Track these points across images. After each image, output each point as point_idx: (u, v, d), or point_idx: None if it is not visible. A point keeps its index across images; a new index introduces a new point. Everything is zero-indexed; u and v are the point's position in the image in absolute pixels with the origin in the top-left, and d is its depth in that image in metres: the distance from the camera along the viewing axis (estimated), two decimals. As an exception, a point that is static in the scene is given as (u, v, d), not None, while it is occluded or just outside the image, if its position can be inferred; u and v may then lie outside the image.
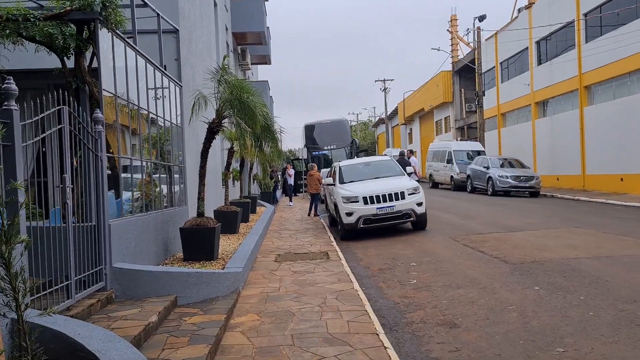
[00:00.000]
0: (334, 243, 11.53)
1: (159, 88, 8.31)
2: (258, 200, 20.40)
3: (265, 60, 25.59)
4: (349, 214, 12.14)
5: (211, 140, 8.17)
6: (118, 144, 6.67)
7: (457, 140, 35.40)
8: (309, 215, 18.04)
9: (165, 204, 8.86)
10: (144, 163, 8.19)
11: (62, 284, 4.90)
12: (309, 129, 30.53)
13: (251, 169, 17.43)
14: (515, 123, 31.16)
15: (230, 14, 19.22)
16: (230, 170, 15.34)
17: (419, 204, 12.27)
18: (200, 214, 8.23)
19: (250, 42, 21.52)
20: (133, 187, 7.35)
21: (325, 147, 29.27)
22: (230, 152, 11.74)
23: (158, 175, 8.67)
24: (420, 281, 7.75)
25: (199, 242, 8.03)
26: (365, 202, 12.06)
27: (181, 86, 10.07)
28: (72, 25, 6.08)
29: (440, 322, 5.78)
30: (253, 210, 16.75)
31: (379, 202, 12.02)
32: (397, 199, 12.07)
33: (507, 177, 21.94)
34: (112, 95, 6.60)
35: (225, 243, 10.55)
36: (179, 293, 6.27)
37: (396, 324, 5.86)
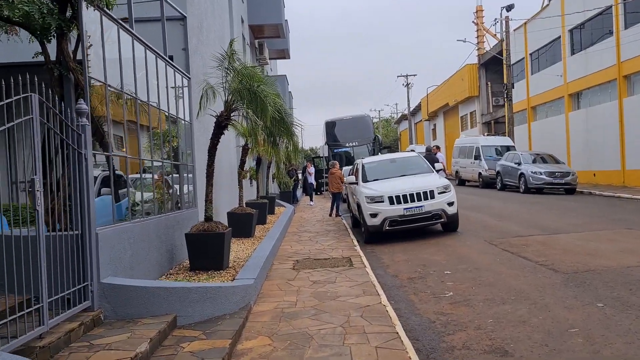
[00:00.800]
0: (357, 247, 10.58)
1: (159, 80, 7.47)
2: (277, 200, 19.55)
3: (284, 54, 24.70)
4: (374, 215, 11.17)
5: (219, 135, 7.31)
6: (111, 140, 5.83)
7: (484, 135, 33.97)
8: (330, 215, 17.11)
9: (171, 207, 8.03)
10: (155, 163, 7.38)
11: (32, 308, 4.07)
12: (330, 126, 29.56)
13: (269, 167, 16.58)
14: (546, 116, 29.68)
15: (247, 6, 18.39)
16: (247, 169, 14.52)
17: (450, 204, 11.23)
18: (208, 217, 7.38)
19: (267, 36, 20.67)
20: (129, 189, 6.51)
21: (347, 144, 28.25)
22: (245, 149, 10.88)
23: (163, 175, 7.84)
24: (457, 293, 6.75)
25: (206, 250, 7.17)
26: (391, 202, 11.06)
27: (189, 78, 9.24)
28: (52, 3, 5.26)
29: (488, 349, 4.79)
30: (271, 211, 15.89)
31: (406, 202, 11.02)
32: (426, 199, 11.04)
33: (540, 174, 20.64)
34: (102, 84, 5.77)
35: (239, 248, 9.69)
36: (179, 311, 5.41)
37: (434, 350, 4.90)
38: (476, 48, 39.66)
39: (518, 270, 7.66)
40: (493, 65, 39.28)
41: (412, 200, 11.02)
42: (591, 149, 24.22)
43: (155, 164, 7.43)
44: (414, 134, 62.30)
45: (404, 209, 10.98)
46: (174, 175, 8.33)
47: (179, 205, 8.51)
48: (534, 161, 22.12)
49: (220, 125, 7.19)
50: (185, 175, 9.14)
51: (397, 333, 5.23)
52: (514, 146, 27.01)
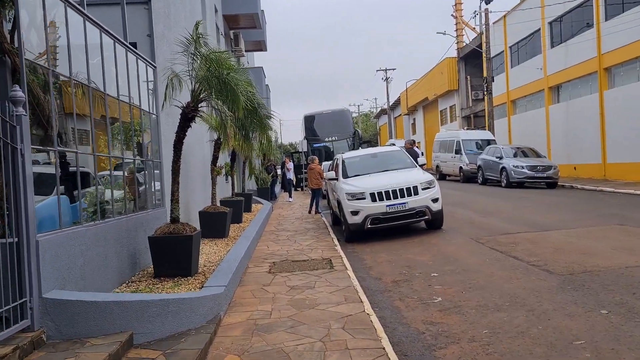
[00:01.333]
0: (338, 247, 10.00)
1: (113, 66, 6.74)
2: (254, 197, 18.87)
3: (260, 46, 23.89)
4: (355, 213, 10.60)
5: (186, 129, 6.62)
6: (54, 132, 5.10)
7: (464, 129, 33.72)
8: (309, 212, 16.51)
9: (134, 207, 7.32)
10: (114, 159, 6.66)
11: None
12: (309, 120, 28.92)
13: (245, 162, 15.88)
14: (526, 110, 29.52)
15: (220, -5, 17.62)
16: (221, 164, 13.80)
17: (435, 200, 10.72)
18: (175, 219, 6.70)
19: (243, 26, 19.90)
20: (80, 189, 5.80)
21: (326, 139, 27.66)
22: (217, 144, 10.17)
23: (125, 173, 7.12)
24: (446, 299, 6.21)
25: (172, 255, 6.50)
26: (373, 199, 10.51)
27: (155, 67, 8.51)
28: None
29: (485, 367, 4.25)
30: (248, 209, 15.21)
31: (388, 198, 10.48)
32: (409, 195, 10.51)
33: (522, 167, 20.36)
34: (48, 69, 5.04)
35: (211, 251, 9.01)
36: (136, 328, 4.74)
37: (425, 368, 4.34)
38: (455, 42, 39.42)
39: (509, 271, 7.16)
40: (472, 59, 39.06)
41: (395, 197, 10.48)
42: (572, 142, 24.07)
43: (114, 160, 6.70)
44: (394, 128, 62.02)
45: (387, 206, 10.43)
46: (138, 173, 7.61)
47: (144, 205, 7.80)
48: (515, 155, 21.86)
49: (187, 117, 6.50)
50: (151, 172, 8.43)
51: (384, 348, 4.66)
52: (494, 140, 26.79)
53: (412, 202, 10.47)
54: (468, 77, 39.44)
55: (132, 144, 7.32)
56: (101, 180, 6.41)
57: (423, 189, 10.66)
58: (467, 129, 33.98)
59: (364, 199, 10.58)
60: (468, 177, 25.48)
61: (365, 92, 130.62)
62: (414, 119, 54.93)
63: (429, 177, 11.12)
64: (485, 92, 29.99)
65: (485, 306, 5.78)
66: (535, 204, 14.40)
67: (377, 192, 10.51)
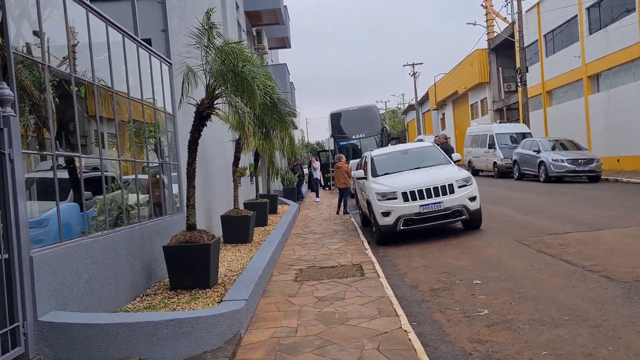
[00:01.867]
0: (369, 250, 9.35)
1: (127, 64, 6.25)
2: (280, 198, 18.35)
3: (284, 43, 23.34)
4: (386, 214, 9.92)
5: (201, 128, 6.09)
6: (52, 135, 4.62)
7: (497, 122, 32.54)
8: (337, 213, 15.88)
9: (149, 214, 6.83)
10: (125, 162, 6.19)
11: None
12: (335, 117, 28.24)
13: (268, 162, 15.35)
14: (563, 101, 28.20)
15: (241, -10, 17.15)
16: (245, 165, 13.31)
17: (472, 199, 9.95)
18: (191, 226, 6.18)
19: (266, 23, 19.40)
20: (90, 195, 5.32)
21: (354, 136, 26.92)
22: (238, 143, 9.65)
23: (138, 176, 6.64)
24: (494, 311, 5.50)
25: (188, 265, 5.97)
26: (406, 199, 9.81)
27: (170, 64, 8.02)
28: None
29: (551, 401, 3.55)
30: (273, 211, 14.69)
31: (422, 197, 9.77)
32: (444, 194, 9.78)
33: (562, 161, 19.26)
34: (42, 63, 4.56)
35: (233, 258, 8.48)
36: (144, 353, 4.21)
37: (476, 401, 3.67)
38: (486, 32, 38.10)
39: (563, 278, 6.39)
40: (504, 50, 37.75)
41: (429, 196, 9.76)
42: (614, 134, 22.76)
43: (125, 164, 6.22)
44: (422, 124, 60.85)
45: (420, 205, 9.72)
46: (154, 177, 7.13)
47: (162, 210, 7.32)
48: (554, 148, 20.74)
49: (202, 115, 5.97)
50: (169, 176, 7.96)
51: (426, 375, 4.01)
52: (530, 133, 25.62)
53: (447, 201, 9.73)
54: (500, 68, 38.11)
55: (147, 146, 6.83)
56: (113, 185, 5.93)
57: (459, 187, 9.91)
58: (500, 122, 32.76)
59: (396, 198, 9.90)
60: (503, 173, 24.43)
61: (392, 89, 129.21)
62: (443, 114, 53.66)
63: (465, 174, 10.36)
64: (519, 84, 28.78)
65: (541, 321, 5.05)
66: (580, 200, 13.43)
67: (410, 191, 9.81)
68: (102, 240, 5.20)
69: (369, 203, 10.70)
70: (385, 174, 11.01)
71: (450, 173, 10.35)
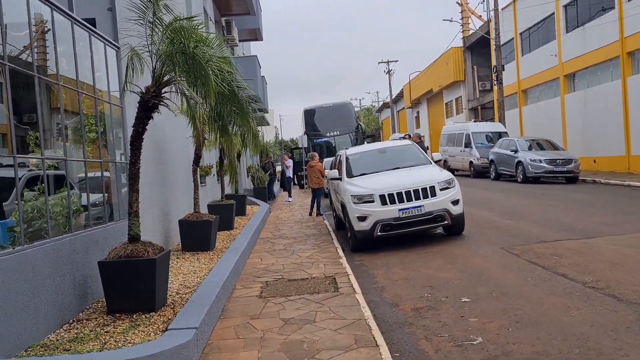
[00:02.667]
0: (343, 259, 8.49)
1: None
2: (250, 198, 17.36)
3: (255, 35, 22.26)
4: (362, 219, 9.08)
5: (146, 121, 5.09)
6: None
7: (472, 121, 32.15)
8: (310, 215, 15.00)
9: (85, 222, 5.81)
10: (49, 160, 5.16)
11: None
12: (309, 114, 27.36)
13: (239, 158, 14.33)
14: (539, 100, 27.91)
15: (209, -23, 16.05)
16: (210, 164, 12.30)
17: (455, 202, 9.19)
18: (134, 237, 5.19)
19: (236, 12, 18.34)
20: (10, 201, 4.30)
21: (328, 134, 26.09)
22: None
23: (67, 177, 5.61)
24: (489, 339, 4.69)
25: (128, 285, 5.00)
26: (384, 202, 8.98)
27: (118, 48, 6.98)
28: None
29: None
30: (241, 212, 13.72)
31: (401, 201, 8.95)
32: (425, 197, 8.99)
33: (540, 161, 18.79)
34: None
35: (190, 269, 7.50)
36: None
37: None
38: (461, 30, 37.74)
39: (563, 297, 5.63)
40: (479, 48, 37.42)
41: (409, 199, 8.96)
42: (590, 134, 22.48)
43: (50, 162, 5.18)
44: (397, 122, 60.45)
45: (399, 210, 8.91)
46: (91, 178, 6.09)
47: (102, 217, 6.29)
48: (530, 148, 20.29)
49: (147, 105, 4.98)
50: (117, 176, 6.93)
51: None
52: (506, 132, 25.20)
53: (428, 204, 8.94)
54: (475, 67, 37.80)
55: (84, 142, 5.80)
56: (37, 188, 4.90)
57: (441, 190, 9.13)
58: (475, 121, 32.40)
59: (373, 201, 9.06)
60: (479, 172, 23.95)
61: (367, 86, 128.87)
62: (418, 112, 53.31)
63: (447, 175, 9.60)
64: (494, 82, 28.37)
65: (546, 354, 4.25)
66: (563, 203, 12.86)
67: (388, 194, 8.98)
68: (13, 259, 4.18)
69: (343, 206, 9.84)
70: (361, 175, 10.17)
71: (432, 174, 9.57)
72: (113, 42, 6.88)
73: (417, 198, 8.97)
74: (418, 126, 52.81)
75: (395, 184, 9.13)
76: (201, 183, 12.35)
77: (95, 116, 6.10)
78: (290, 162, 21.47)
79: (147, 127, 5.13)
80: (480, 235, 9.51)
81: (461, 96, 39.60)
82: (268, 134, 73.32)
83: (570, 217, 10.43)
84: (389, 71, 55.07)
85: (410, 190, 8.99)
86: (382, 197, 9.00)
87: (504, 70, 27.54)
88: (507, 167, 20.79)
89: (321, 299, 6.22)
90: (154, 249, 5.18)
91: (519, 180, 19.56)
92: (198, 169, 8.62)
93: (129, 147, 5.17)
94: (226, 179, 15.97)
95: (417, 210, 8.92)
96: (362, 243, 9.34)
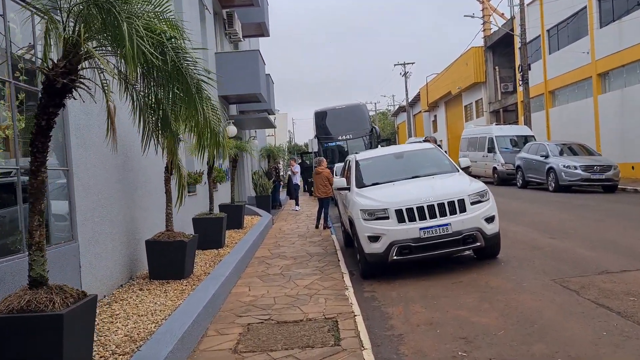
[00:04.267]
0: (350, 290, 6.78)
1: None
2: (251, 208, 15.72)
3: (261, 30, 20.64)
4: (374, 239, 7.35)
5: (52, 110, 3.41)
6: None
7: (494, 124, 30.23)
8: (316, 227, 13.31)
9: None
10: None
11: None
12: (320, 116, 25.64)
13: (235, 163, 12.71)
14: (568, 101, 25.92)
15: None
16: (200, 170, 10.69)
17: (489, 219, 7.43)
18: (35, 280, 3.56)
19: (238, 4, 16.80)
20: None
21: (340, 137, 24.34)
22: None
23: None
24: None
25: (21, 354, 3.34)
26: (401, 219, 7.26)
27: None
28: None
29: None
30: (237, 225, 12.08)
31: (423, 218, 7.23)
32: (453, 212, 7.25)
33: (575, 168, 16.88)
34: None
35: (151, 306, 5.83)
36: None
37: None
38: (482, 29, 35.88)
39: (667, 369, 3.85)
40: (501, 48, 35.55)
41: (433, 216, 7.22)
42: (628, 138, 20.46)
43: None
44: (413, 126, 58.54)
45: (421, 229, 7.18)
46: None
47: (15, 245, 4.67)
48: (562, 153, 18.39)
49: (54, 88, 3.36)
50: (43, 187, 5.33)
51: None
52: (533, 136, 23.29)
53: (457, 222, 7.20)
54: (496, 67, 35.88)
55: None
56: None
57: (472, 204, 7.38)
58: (497, 124, 30.41)
59: (387, 218, 7.34)
60: (503, 180, 22.07)
61: (382, 90, 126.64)
62: (435, 116, 51.41)
63: (479, 186, 7.84)
64: (519, 82, 26.45)
65: None
66: (609, 217, 11.00)
67: (407, 209, 7.26)
68: None
69: (351, 223, 8.13)
70: (373, 185, 8.46)
71: (460, 185, 7.83)
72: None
73: (443, 214, 7.23)
74: (435, 130, 50.89)
75: (416, 197, 7.39)
76: (190, 192, 10.75)
77: (11, 103, 4.49)
78: (297, 168, 19.79)
79: (54, 119, 3.50)
80: (521, 259, 7.71)
81: (482, 98, 37.67)
82: (280, 138, 71.91)
83: (626, 237, 8.59)
84: (405, 73, 53.32)
85: (434, 205, 7.25)
86: (399, 212, 7.27)
87: (530, 69, 25.61)
88: (536, 174, 18.91)
89: (316, 357, 4.53)
90: (64, 298, 3.53)
91: (550, 188, 17.67)
92: (171, 177, 6.98)
93: (35, 147, 3.53)
94: (226, 187, 14.38)
95: (443, 230, 7.17)
96: (373, 268, 7.62)
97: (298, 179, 19.49)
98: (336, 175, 19.44)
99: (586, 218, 10.95)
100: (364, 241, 7.49)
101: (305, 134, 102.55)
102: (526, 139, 22.92)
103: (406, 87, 53.76)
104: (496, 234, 7.54)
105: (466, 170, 8.97)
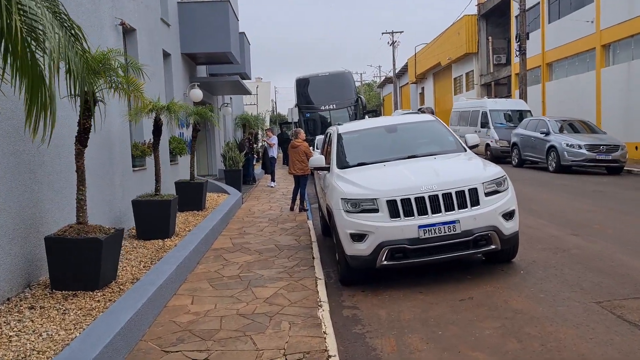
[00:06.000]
0: (325, 306, 5.08)
1: None
2: (218, 184, 13.85)
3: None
4: (358, 238, 5.61)
5: None
6: None
7: (485, 98, 28.50)
8: (291, 209, 11.56)
9: None
10: None
11: None
12: (302, 84, 23.67)
13: (195, 132, 10.72)
14: (567, 75, 24.26)
15: None
16: (149, 140, 8.75)
17: (509, 215, 5.73)
18: None
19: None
20: None
21: (323, 107, 22.49)
22: (86, 99, 4.95)
23: None
24: None
25: None
26: (394, 213, 5.51)
27: None
28: None
29: None
30: (196, 206, 10.23)
31: (423, 212, 5.49)
32: (463, 206, 5.53)
33: (579, 147, 15.32)
34: None
35: (30, 341, 4.00)
36: None
37: None
38: (476, -5, 33.78)
39: None
40: (495, 18, 33.65)
41: (436, 210, 5.49)
42: (633, 115, 18.94)
43: None
44: (399, 98, 56.57)
45: (421, 227, 5.44)
46: None
47: None
48: (561, 130, 16.79)
49: None
50: None
51: None
52: (529, 111, 21.69)
53: (468, 219, 5.48)
54: (489, 38, 33.95)
55: None
56: None
57: (487, 194, 5.66)
58: (489, 97, 28.69)
59: (377, 211, 5.59)
60: (497, 157, 20.42)
61: (369, 60, 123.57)
62: (423, 88, 49.53)
63: (496, 171, 6.09)
64: (516, 53, 24.65)
65: None
66: (633, 207, 9.42)
67: (402, 199, 5.51)
68: None
69: (329, 212, 6.36)
70: (359, 165, 6.67)
71: (472, 169, 6.09)
72: None
73: (449, 208, 5.50)
74: (422, 103, 49.07)
75: (414, 184, 5.63)
76: (136, 167, 8.85)
77: None
78: (274, 139, 17.85)
79: None
80: (545, 266, 6.05)
81: (472, 70, 35.85)
82: (263, 107, 69.38)
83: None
84: (393, 43, 50.98)
85: (437, 195, 5.51)
86: (391, 204, 5.52)
87: (528, 38, 23.78)
88: (534, 152, 17.33)
89: None
90: None
91: (550, 169, 16.13)
92: (84, 149, 5.05)
93: None
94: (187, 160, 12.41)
95: (449, 228, 5.45)
96: (356, 274, 5.91)
97: (275, 152, 17.60)
98: (317, 149, 17.58)
99: (609, 208, 9.35)
100: (345, 239, 5.74)
101: (289, 104, 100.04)
102: (522, 114, 21.35)
103: (394, 57, 51.46)
104: (515, 233, 5.84)
105: (473, 149, 7.19)
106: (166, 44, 11.31)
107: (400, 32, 51.85)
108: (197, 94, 12.58)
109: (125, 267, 6.08)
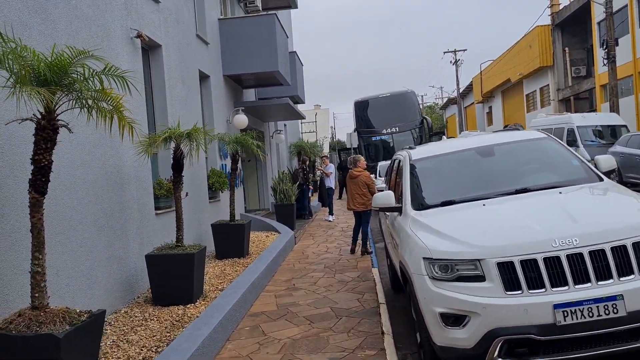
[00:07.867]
0: None
1: None
2: (269, 222, 12.14)
3: (287, 1, 17.03)
4: (454, 321, 3.61)
5: None
6: None
7: (564, 114, 25.51)
8: (352, 252, 9.65)
9: None
10: None
11: None
12: (361, 107, 21.99)
13: (234, 163, 9.02)
14: (666, 83, 21.06)
15: None
16: (168, 178, 7.15)
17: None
18: None
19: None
20: None
21: (384, 130, 20.63)
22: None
23: None
24: None
25: None
26: (511, 283, 3.48)
27: None
28: None
29: None
30: (238, 252, 8.52)
31: (559, 282, 3.42)
32: (626, 271, 3.41)
33: None
34: None
35: None
36: None
37: None
38: (549, 5, 31.07)
39: None
40: (571, 27, 30.68)
41: (581, 278, 3.40)
42: None
43: None
44: (464, 119, 53.68)
45: (558, 305, 3.37)
46: None
47: None
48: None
49: None
50: None
51: None
52: (625, 126, 18.76)
53: (635, 293, 3.35)
54: (566, 49, 30.96)
55: None
56: None
57: (663, 251, 3.51)
58: (565, 113, 25.67)
59: (483, 279, 3.58)
60: (589, 180, 17.63)
61: (430, 81, 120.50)
62: (490, 107, 46.53)
63: (670, 211, 3.92)
64: (604, 62, 21.75)
65: None
66: None
67: (524, 261, 3.47)
68: None
69: (405, 276, 4.39)
70: (444, 204, 4.67)
71: (626, 208, 3.96)
72: None
73: (603, 275, 3.41)
74: (490, 123, 46.07)
75: (541, 235, 3.59)
76: (160, 209, 7.28)
77: None
78: (331, 168, 16.04)
79: None
80: None
81: (548, 85, 32.79)
82: (322, 135, 68.27)
83: None
84: (455, 61, 48.57)
85: (581, 253, 3.45)
86: (506, 268, 3.51)
87: (617, 45, 20.93)
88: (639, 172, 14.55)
89: None
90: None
91: (665, 193, 13.28)
92: (42, 199, 3.40)
93: None
94: (239, 193, 10.79)
95: (606, 309, 3.35)
96: (449, 371, 3.88)
97: (332, 182, 15.79)
98: (379, 177, 15.56)
99: None
100: (432, 321, 3.76)
101: (348, 129, 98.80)
102: (615, 129, 18.52)
103: (457, 76, 48.94)
104: None
105: (610, 176, 5.04)
106: (203, 64, 9.90)
107: (464, 50, 49.42)
108: (242, 119, 11.06)
109: (119, 357, 4.37)
